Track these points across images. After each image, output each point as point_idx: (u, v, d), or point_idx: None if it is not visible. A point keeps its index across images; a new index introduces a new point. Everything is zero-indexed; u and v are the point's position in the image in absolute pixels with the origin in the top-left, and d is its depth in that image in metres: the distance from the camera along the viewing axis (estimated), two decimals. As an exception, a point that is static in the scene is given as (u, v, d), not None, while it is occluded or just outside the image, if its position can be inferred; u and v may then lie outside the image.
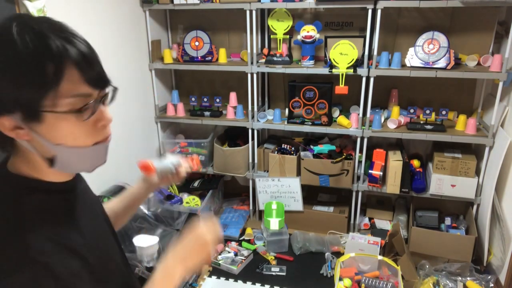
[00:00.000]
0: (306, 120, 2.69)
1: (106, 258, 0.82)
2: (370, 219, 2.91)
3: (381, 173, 2.60)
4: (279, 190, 2.84)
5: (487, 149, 2.40)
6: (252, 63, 2.66)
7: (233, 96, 2.85)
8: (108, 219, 0.96)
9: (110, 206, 1.07)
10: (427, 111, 2.46)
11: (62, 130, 0.69)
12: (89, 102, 0.70)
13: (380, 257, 2.32)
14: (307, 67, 2.57)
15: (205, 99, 2.90)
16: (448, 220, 2.62)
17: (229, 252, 2.62)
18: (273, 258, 2.60)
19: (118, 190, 2.36)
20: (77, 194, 0.84)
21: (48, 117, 0.67)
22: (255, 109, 2.79)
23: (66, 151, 0.71)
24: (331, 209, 2.87)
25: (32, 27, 0.65)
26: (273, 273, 2.46)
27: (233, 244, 2.73)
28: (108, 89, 0.77)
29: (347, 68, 2.45)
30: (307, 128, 2.69)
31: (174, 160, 1.09)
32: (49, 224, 0.71)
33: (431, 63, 2.37)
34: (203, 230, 0.88)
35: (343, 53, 2.45)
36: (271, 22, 2.66)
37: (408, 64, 2.45)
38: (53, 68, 0.64)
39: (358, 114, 2.60)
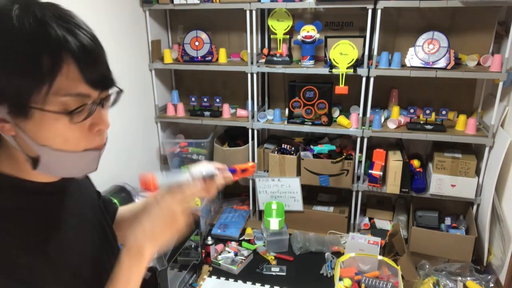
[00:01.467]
0: (306, 120, 2.69)
1: (80, 267, 0.74)
2: (370, 219, 2.91)
3: (381, 173, 2.60)
4: (279, 190, 2.84)
5: (487, 149, 2.40)
6: (252, 63, 2.66)
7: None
8: (107, 223, 0.88)
9: (122, 213, 0.98)
10: (427, 111, 2.46)
11: (51, 130, 0.62)
12: (86, 104, 0.63)
13: (380, 257, 2.32)
14: (307, 67, 2.57)
15: (205, 99, 2.90)
16: (448, 220, 2.62)
17: (229, 252, 2.62)
18: (273, 258, 2.60)
19: (118, 190, 2.36)
20: (65, 196, 0.76)
21: (36, 114, 0.60)
22: (255, 109, 2.79)
23: (52, 153, 0.64)
24: (331, 209, 2.87)
25: (33, 12, 0.58)
26: (273, 273, 2.46)
27: (233, 244, 2.73)
28: (111, 91, 0.69)
29: (347, 68, 2.45)
30: (307, 128, 2.69)
31: (208, 169, 0.84)
32: (18, 229, 0.64)
33: (431, 63, 2.37)
34: (170, 201, 0.77)
35: (343, 53, 2.45)
36: (271, 22, 2.66)
37: (408, 64, 2.45)
38: (49, 60, 0.57)
39: (358, 114, 2.60)
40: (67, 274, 0.69)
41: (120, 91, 0.70)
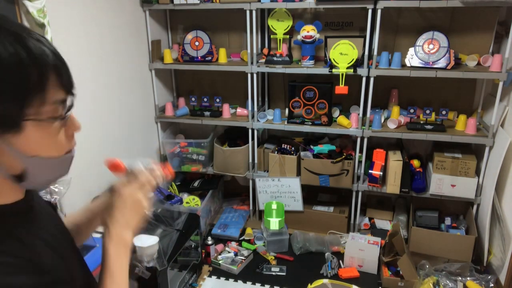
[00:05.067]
0: (306, 120, 2.69)
1: (63, 275, 0.72)
2: (370, 219, 2.91)
3: (381, 173, 2.60)
4: (279, 190, 2.84)
5: (487, 149, 2.40)
6: (252, 63, 2.66)
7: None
8: (69, 235, 0.87)
9: (71, 219, 0.97)
10: (427, 111, 2.46)
11: (40, 139, 0.63)
12: (70, 108, 0.66)
13: None
14: (307, 67, 2.57)
15: (205, 99, 2.90)
16: (448, 220, 2.62)
17: (229, 252, 2.62)
18: (273, 258, 2.60)
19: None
20: (34, 212, 0.74)
21: (28, 126, 0.61)
22: (255, 109, 2.79)
23: (39, 163, 0.65)
24: (331, 209, 2.87)
25: (6, 28, 0.58)
26: (273, 273, 2.46)
27: (233, 244, 2.73)
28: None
29: (347, 68, 2.45)
30: (307, 128, 2.69)
31: (145, 162, 0.96)
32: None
33: (431, 63, 2.37)
34: (130, 189, 0.85)
35: (343, 53, 2.45)
36: (271, 22, 2.66)
37: (408, 64, 2.45)
38: (36, 74, 0.59)
39: (358, 114, 2.60)
40: (52, 279, 0.68)
41: (74, 95, 0.70)
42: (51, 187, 1.84)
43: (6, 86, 0.57)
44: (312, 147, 2.76)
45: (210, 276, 2.47)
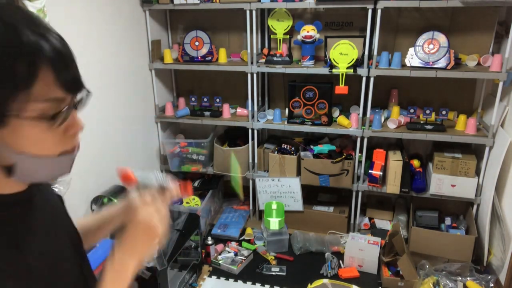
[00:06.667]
0: (306, 120, 2.69)
1: (55, 281, 0.72)
2: (370, 219, 2.91)
3: (381, 173, 2.60)
4: (279, 190, 2.84)
5: (487, 149, 2.40)
6: (252, 63, 2.66)
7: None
8: (75, 233, 0.86)
9: (81, 223, 0.95)
10: (427, 111, 2.46)
11: (28, 137, 0.60)
12: (63, 109, 0.62)
13: None
14: (307, 67, 2.57)
15: (205, 99, 2.90)
16: (448, 220, 2.62)
17: (229, 252, 2.62)
18: (273, 258, 2.60)
19: (118, 190, 2.36)
20: (33, 206, 0.73)
21: (13, 121, 0.57)
22: (255, 109, 2.79)
23: (28, 160, 0.62)
24: (331, 209, 2.87)
25: (2, 19, 0.55)
26: (273, 273, 2.46)
27: (233, 244, 2.73)
28: (82, 93, 0.67)
29: (347, 68, 2.45)
30: (307, 128, 2.69)
31: (160, 178, 0.88)
32: None
33: (431, 63, 2.37)
34: (146, 213, 0.76)
35: (343, 53, 2.45)
36: (271, 22, 2.66)
37: (408, 64, 2.45)
38: (25, 67, 0.56)
39: (358, 114, 2.60)
40: (43, 284, 0.68)
41: (88, 93, 0.68)
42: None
43: None
44: (312, 147, 2.76)
45: (210, 276, 2.47)
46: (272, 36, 2.73)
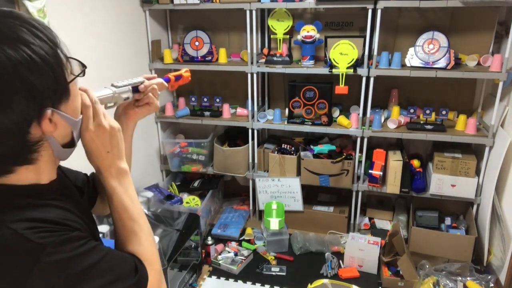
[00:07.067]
0: (306, 120, 2.69)
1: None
2: (370, 219, 2.91)
3: (381, 173, 2.60)
4: (279, 190, 2.84)
5: (487, 149, 2.40)
6: (252, 63, 2.66)
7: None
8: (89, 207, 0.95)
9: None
10: (427, 111, 2.46)
11: (78, 98, 0.72)
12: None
13: None
14: (307, 67, 2.57)
15: (205, 99, 2.90)
16: (448, 220, 2.62)
17: (229, 252, 2.62)
18: (273, 258, 2.60)
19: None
20: (70, 191, 0.82)
21: (72, 87, 0.68)
22: (255, 109, 2.79)
23: (79, 124, 0.73)
24: (331, 209, 2.87)
25: (47, 36, 0.66)
26: (273, 273, 2.46)
27: (233, 244, 2.73)
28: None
29: (347, 68, 2.45)
30: (307, 128, 2.69)
31: (120, 84, 0.85)
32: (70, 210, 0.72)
33: (431, 63, 2.37)
34: (97, 121, 0.75)
35: (343, 53, 2.45)
36: (271, 22, 2.66)
37: (408, 64, 2.45)
38: (64, 58, 0.67)
39: (358, 114, 2.60)
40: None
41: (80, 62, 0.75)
42: None
43: (53, 67, 0.64)
44: (312, 147, 2.76)
45: (210, 276, 2.47)
46: (272, 36, 2.73)
